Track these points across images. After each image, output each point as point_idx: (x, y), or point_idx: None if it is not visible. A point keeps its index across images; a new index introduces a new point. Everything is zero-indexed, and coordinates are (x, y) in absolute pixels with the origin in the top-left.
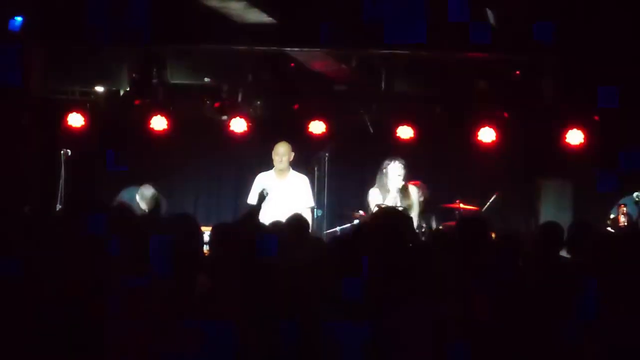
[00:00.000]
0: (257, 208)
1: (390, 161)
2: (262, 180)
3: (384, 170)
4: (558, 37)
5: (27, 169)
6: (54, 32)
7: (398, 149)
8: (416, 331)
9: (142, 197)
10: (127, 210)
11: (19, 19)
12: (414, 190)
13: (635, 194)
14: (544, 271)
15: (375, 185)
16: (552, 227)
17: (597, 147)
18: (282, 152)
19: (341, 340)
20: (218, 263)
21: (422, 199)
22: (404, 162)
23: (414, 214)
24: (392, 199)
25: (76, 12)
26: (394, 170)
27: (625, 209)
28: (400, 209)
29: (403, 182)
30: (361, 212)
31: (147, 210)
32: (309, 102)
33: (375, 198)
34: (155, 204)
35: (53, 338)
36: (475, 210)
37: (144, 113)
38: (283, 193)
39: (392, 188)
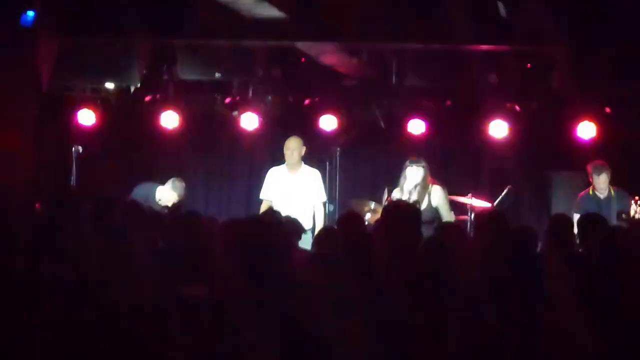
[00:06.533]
0: None
1: (409, 164)
2: (274, 175)
3: (403, 173)
4: (569, 28)
5: (39, 167)
6: (65, 26)
7: (409, 144)
8: None
9: (175, 188)
10: (140, 206)
11: (30, 13)
12: (437, 191)
13: None
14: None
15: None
16: (561, 220)
17: (608, 139)
18: (293, 146)
19: None
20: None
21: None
22: (423, 164)
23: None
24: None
25: (87, 5)
26: (411, 173)
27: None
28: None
29: (421, 184)
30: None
31: (176, 202)
32: (320, 96)
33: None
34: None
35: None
36: (488, 206)
37: (155, 109)
38: (295, 187)
39: (407, 189)
